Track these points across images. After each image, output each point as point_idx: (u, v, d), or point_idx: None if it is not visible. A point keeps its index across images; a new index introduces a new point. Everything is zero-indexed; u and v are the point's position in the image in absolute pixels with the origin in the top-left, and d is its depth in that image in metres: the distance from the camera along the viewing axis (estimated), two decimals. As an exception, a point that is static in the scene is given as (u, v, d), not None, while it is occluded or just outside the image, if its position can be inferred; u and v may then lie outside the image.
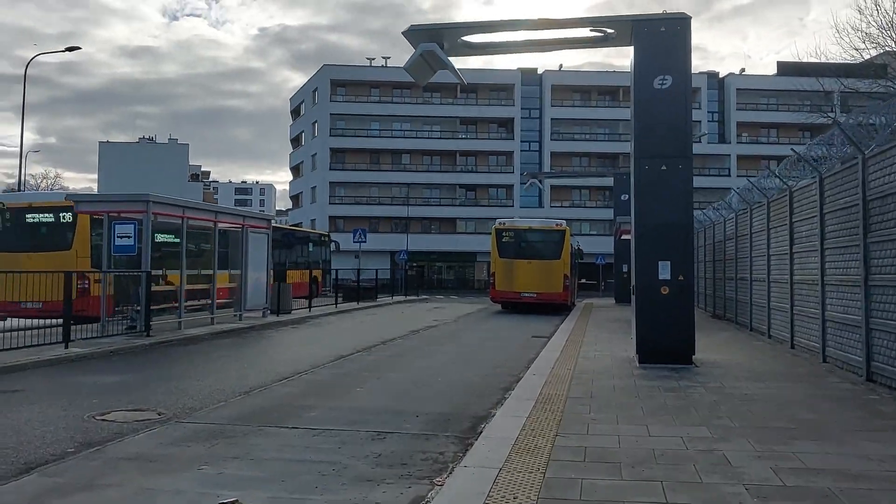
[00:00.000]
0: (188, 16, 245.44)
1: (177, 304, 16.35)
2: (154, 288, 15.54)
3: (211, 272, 18.17)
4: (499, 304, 28.54)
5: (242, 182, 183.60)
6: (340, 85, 73.17)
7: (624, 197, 32.15)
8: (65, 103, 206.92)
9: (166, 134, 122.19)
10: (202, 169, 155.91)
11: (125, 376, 10.75)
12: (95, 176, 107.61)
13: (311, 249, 35.16)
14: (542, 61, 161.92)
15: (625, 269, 33.18)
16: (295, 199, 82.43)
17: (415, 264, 69.95)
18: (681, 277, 11.44)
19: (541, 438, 6.59)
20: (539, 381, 9.96)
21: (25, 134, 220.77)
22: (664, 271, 11.57)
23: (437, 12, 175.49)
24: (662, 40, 11.85)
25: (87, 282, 16.69)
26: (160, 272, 16.08)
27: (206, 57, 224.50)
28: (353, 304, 27.71)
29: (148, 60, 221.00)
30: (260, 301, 20.31)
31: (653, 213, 11.72)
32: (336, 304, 25.99)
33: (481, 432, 7.11)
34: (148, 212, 14.99)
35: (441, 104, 73.56)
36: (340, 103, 72.58)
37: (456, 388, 10.22)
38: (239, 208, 19.34)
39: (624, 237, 24.33)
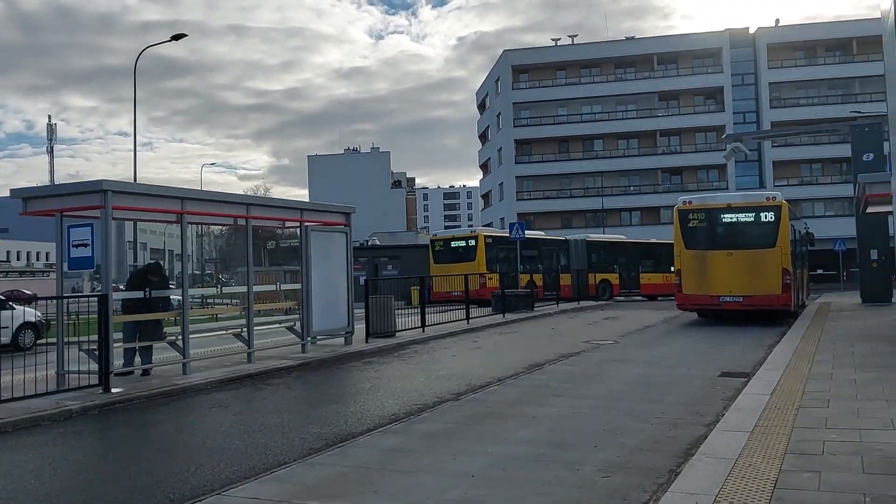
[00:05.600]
0: (392, 34, 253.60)
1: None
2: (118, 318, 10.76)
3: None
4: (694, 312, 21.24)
5: (450, 187, 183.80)
6: (522, 71, 67.47)
7: (867, 157, 23.49)
8: (294, 126, 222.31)
9: (382, 148, 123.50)
10: (410, 177, 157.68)
11: None
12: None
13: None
14: (754, 19, 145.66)
15: (874, 255, 24.44)
16: (485, 197, 78.08)
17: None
18: None
19: None
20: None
21: (262, 157, 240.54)
22: None
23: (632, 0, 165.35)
24: None
25: None
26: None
27: (412, 71, 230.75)
28: (498, 318, 21.75)
29: (361, 80, 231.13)
30: (338, 322, 15.07)
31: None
32: (468, 319, 20.15)
33: None
34: (107, 206, 10.16)
35: (636, 79, 65.48)
36: (523, 90, 66.90)
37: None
38: (292, 199, 14.00)
39: (873, 208, 16.25)
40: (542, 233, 40.78)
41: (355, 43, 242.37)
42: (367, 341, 15.54)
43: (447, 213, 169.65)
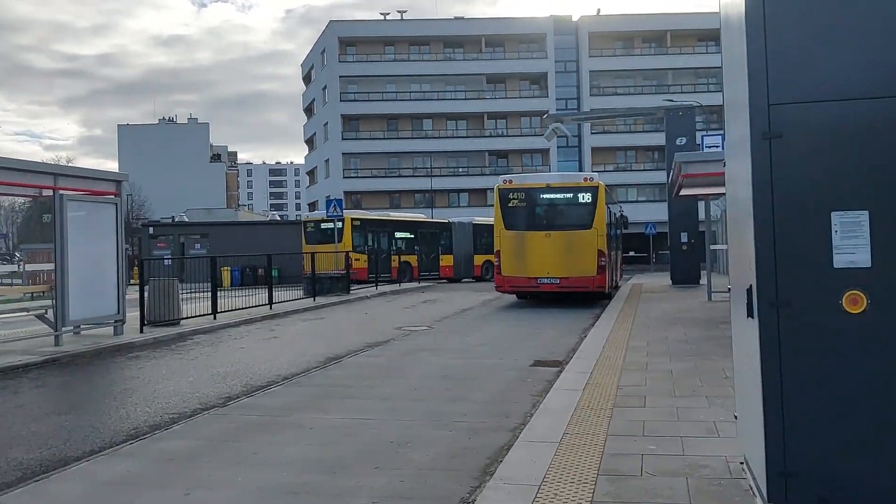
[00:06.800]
0: (216, 2, 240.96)
1: None
2: None
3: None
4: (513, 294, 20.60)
5: (277, 163, 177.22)
6: (350, 44, 65.37)
7: (681, 141, 23.88)
8: (107, 95, 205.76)
9: (205, 121, 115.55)
10: (232, 151, 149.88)
11: None
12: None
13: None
14: (577, 7, 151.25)
15: (683, 238, 25.01)
16: (311, 174, 75.28)
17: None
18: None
19: None
20: None
21: (72, 126, 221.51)
22: (855, 243, 3.63)
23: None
24: None
25: None
26: None
27: (237, 42, 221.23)
28: (308, 302, 20.05)
29: (182, 49, 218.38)
30: (104, 309, 12.79)
31: (825, 60, 3.68)
32: (270, 304, 18.26)
33: None
34: None
35: (465, 60, 65.31)
36: (351, 64, 64.82)
37: None
38: (43, 162, 11.59)
39: (687, 191, 16.12)
40: (421, 215, 41.38)
41: (176, 9, 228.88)
42: (141, 331, 13.34)
43: (273, 190, 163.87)
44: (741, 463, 4.87)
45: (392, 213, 42.17)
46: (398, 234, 34.74)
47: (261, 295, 18.70)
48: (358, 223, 32.40)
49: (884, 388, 3.57)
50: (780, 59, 3.73)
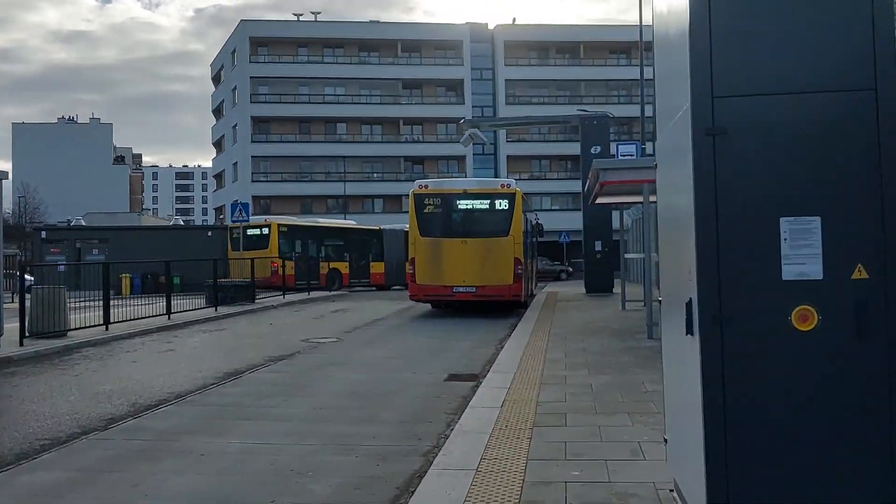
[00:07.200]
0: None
1: None
2: None
3: None
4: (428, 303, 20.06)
5: (184, 166, 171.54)
6: (262, 44, 63.68)
7: (595, 149, 23.95)
8: (1, 92, 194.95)
9: (109, 121, 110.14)
10: (137, 153, 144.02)
11: None
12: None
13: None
14: (493, 15, 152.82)
15: (598, 247, 25.11)
16: (218, 178, 72.93)
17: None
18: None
19: None
20: None
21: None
22: (805, 253, 3.27)
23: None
24: None
25: None
26: None
27: (144, 41, 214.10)
28: (209, 312, 18.98)
29: (84, 45, 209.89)
30: (-23, 321, 11.60)
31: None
32: (169, 313, 17.11)
33: None
34: None
35: (380, 64, 64.56)
36: (262, 65, 63.13)
37: None
38: None
39: (603, 199, 16.01)
40: (353, 222, 40.57)
41: (78, 4, 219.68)
42: (21, 344, 12.16)
43: (179, 194, 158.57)
44: (671, 490, 4.48)
45: (321, 220, 41.55)
46: (327, 241, 34.48)
47: (160, 304, 17.57)
48: (285, 230, 31.86)
49: (836, 413, 3.21)
50: (726, 47, 3.34)
